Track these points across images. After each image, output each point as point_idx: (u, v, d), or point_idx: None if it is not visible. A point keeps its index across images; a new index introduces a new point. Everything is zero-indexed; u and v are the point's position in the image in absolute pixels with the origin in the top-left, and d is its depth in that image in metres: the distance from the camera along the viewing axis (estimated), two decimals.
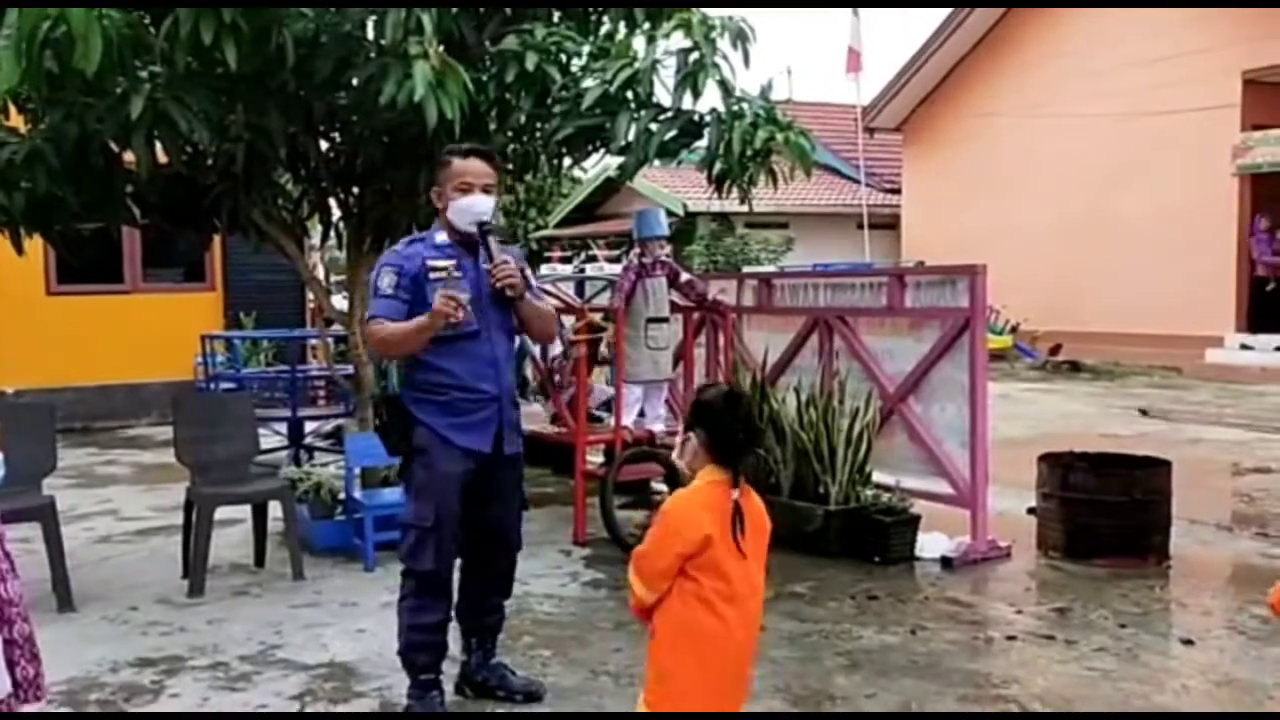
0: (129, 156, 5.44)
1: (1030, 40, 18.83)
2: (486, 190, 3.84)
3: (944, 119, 20.65)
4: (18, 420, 5.72)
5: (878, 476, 6.23)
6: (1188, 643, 4.62)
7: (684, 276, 6.96)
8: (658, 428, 6.74)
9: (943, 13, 19.95)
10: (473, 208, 3.80)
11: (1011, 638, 4.70)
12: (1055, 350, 17.10)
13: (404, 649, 3.91)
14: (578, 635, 4.75)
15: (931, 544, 5.89)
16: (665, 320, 6.81)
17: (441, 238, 3.89)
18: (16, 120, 5.74)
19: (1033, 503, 6.22)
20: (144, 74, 4.99)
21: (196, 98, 4.99)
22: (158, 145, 5.21)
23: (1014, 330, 17.91)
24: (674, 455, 2.95)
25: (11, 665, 2.77)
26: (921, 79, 20.76)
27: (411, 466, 3.85)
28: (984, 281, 5.93)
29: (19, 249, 6.02)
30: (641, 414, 6.87)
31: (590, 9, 6.10)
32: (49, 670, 4.36)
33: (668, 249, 6.92)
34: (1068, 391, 14.09)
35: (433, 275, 3.78)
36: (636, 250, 6.83)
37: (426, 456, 3.79)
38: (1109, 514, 5.75)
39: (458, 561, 3.97)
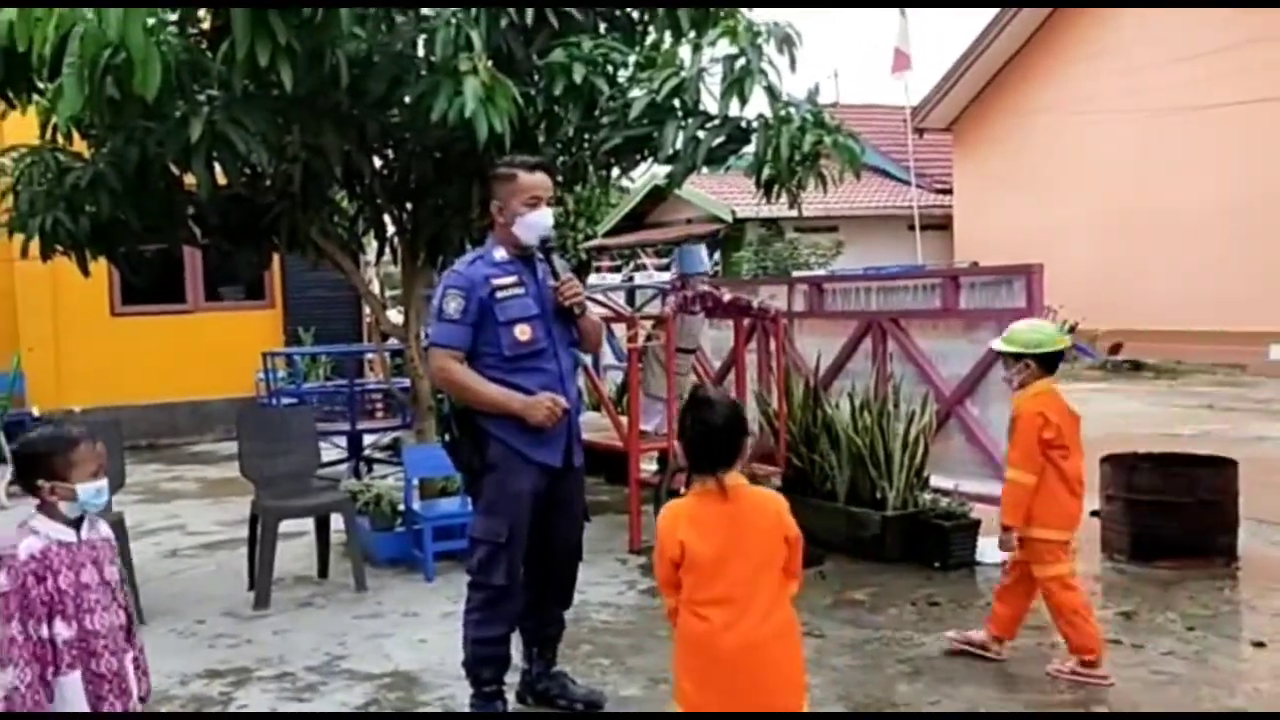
0: (189, 179, 5.58)
1: (1078, 37, 18.57)
2: (549, 204, 3.85)
3: (994, 118, 20.41)
4: None
5: (936, 481, 6.17)
6: (1259, 645, 4.53)
7: (726, 297, 7.01)
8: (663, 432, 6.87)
9: (990, 12, 19.76)
10: (542, 222, 3.81)
11: None
12: (1116, 349, 16.81)
13: (469, 661, 3.92)
14: (635, 643, 4.76)
15: (993, 549, 5.79)
16: (692, 351, 7.13)
17: (500, 254, 3.85)
18: (80, 146, 5.90)
19: (1096, 505, 6.12)
20: (202, 97, 5.12)
21: (254, 119, 5.10)
22: (217, 167, 5.33)
23: (1072, 330, 17.63)
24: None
25: (99, 700, 2.78)
26: (971, 78, 20.55)
27: (482, 482, 3.84)
28: (1040, 281, 5.87)
29: (85, 271, 6.18)
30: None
31: (636, 21, 6.14)
32: None
33: (707, 282, 7.20)
34: (1128, 391, 13.85)
35: (499, 295, 3.76)
36: (679, 283, 7.12)
37: (499, 473, 3.78)
38: (1174, 515, 5.65)
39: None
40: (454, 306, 3.75)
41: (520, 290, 3.80)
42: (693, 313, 6.90)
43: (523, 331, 3.77)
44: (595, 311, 4.17)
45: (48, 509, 2.82)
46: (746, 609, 2.76)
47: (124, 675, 2.88)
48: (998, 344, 4.51)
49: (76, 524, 2.85)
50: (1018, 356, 4.40)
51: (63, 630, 2.75)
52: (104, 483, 2.88)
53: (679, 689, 2.84)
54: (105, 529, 2.97)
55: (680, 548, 2.77)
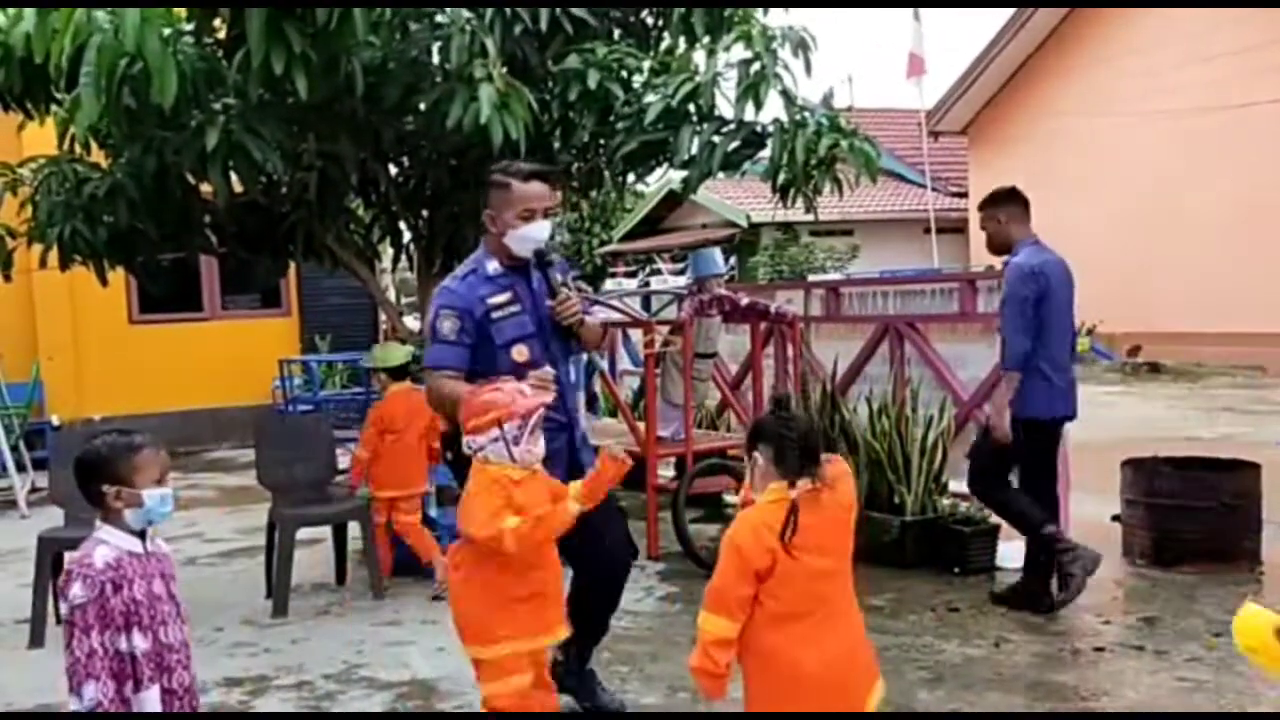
0: (206, 187, 5.60)
1: (1095, 38, 18.49)
2: (547, 214, 3.71)
3: (1010, 120, 20.34)
4: None
5: (954, 485, 6.13)
6: None
7: (744, 301, 6.98)
8: (680, 437, 6.81)
9: (1006, 14, 19.69)
10: (536, 236, 3.68)
11: (1099, 649, 4.59)
12: (1134, 352, 16.70)
13: None
14: (654, 651, 4.74)
15: (1012, 553, 5.76)
16: (711, 356, 7.06)
17: (493, 267, 3.74)
18: (98, 156, 5.93)
19: (1116, 509, 6.07)
20: (218, 106, 5.13)
21: (269, 128, 5.11)
22: (233, 175, 5.34)
23: (1090, 333, 17.55)
24: (747, 478, 2.88)
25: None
26: (986, 81, 20.48)
27: None
28: None
29: (103, 280, 6.21)
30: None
31: (651, 26, 6.14)
32: None
33: (723, 284, 7.17)
34: (1148, 394, 13.75)
35: (495, 315, 3.66)
36: (695, 287, 7.08)
37: None
38: (1196, 519, 5.60)
39: (568, 573, 3.83)
40: (449, 327, 3.64)
41: (516, 308, 3.69)
42: (709, 316, 6.89)
43: (520, 353, 3.66)
44: (611, 317, 4.10)
45: (113, 518, 2.74)
46: (830, 620, 2.70)
47: (194, 691, 2.82)
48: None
49: (141, 535, 2.78)
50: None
51: (140, 642, 2.66)
52: (169, 490, 2.79)
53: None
54: (163, 542, 2.90)
55: (772, 557, 2.63)
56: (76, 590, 2.60)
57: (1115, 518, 6.09)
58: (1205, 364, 15.75)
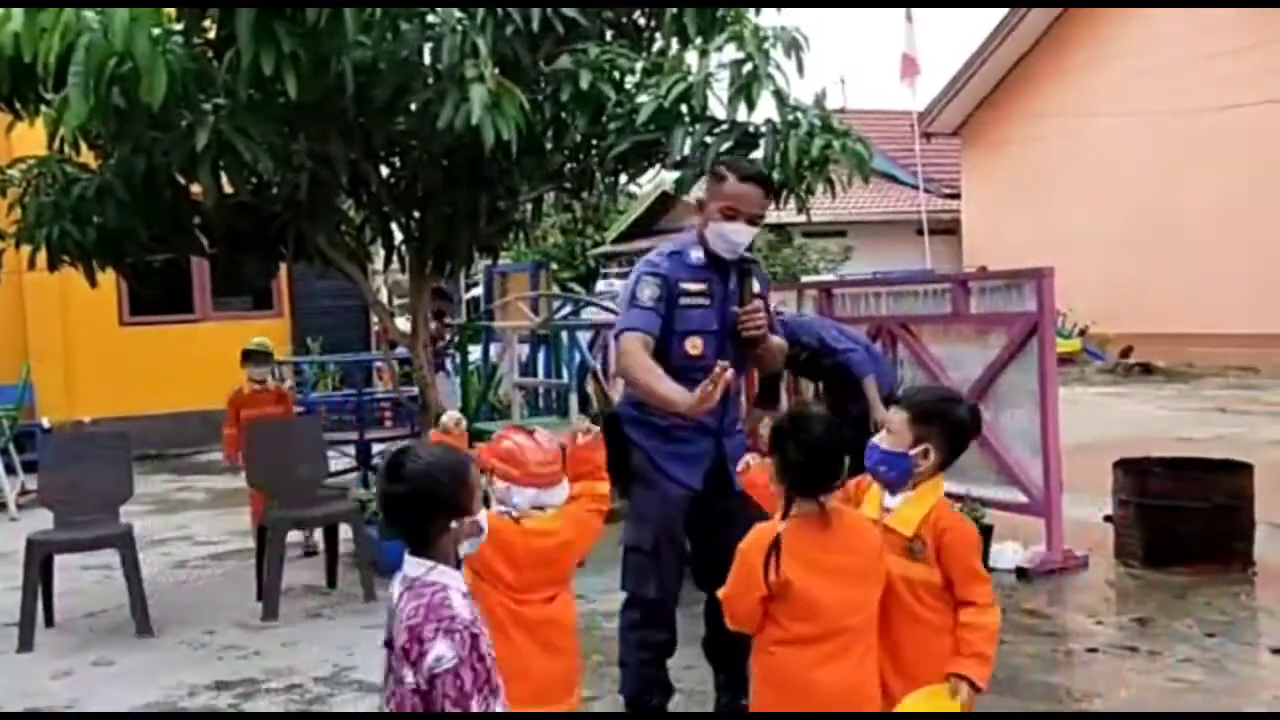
0: (196, 188, 5.57)
1: (1088, 39, 18.52)
2: (753, 221, 3.57)
3: (1003, 121, 20.36)
4: (95, 449, 5.87)
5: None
6: (1278, 652, 4.47)
7: None
8: None
9: (999, 14, 19.72)
10: (731, 236, 3.55)
11: (1092, 650, 4.58)
12: (1126, 353, 16.73)
13: (631, 690, 3.70)
14: None
15: (1005, 554, 5.76)
16: None
17: (697, 256, 3.62)
18: (87, 156, 5.90)
19: (1109, 510, 6.07)
20: (208, 106, 5.10)
21: (259, 128, 5.09)
22: (223, 176, 5.32)
23: (1082, 333, 17.57)
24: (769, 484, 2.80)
25: None
26: (979, 82, 20.51)
27: (631, 488, 3.66)
28: (1051, 285, 5.82)
29: (92, 281, 6.18)
30: None
31: (643, 27, 6.12)
32: (128, 696, 4.47)
33: None
34: (1140, 394, 13.77)
35: (684, 301, 3.56)
36: None
37: (641, 483, 3.61)
38: (1189, 520, 5.59)
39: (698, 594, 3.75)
40: (649, 294, 3.52)
41: (706, 301, 3.57)
42: None
43: (694, 345, 3.55)
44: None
45: (442, 553, 2.23)
46: (849, 646, 2.60)
47: None
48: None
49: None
50: None
51: (494, 704, 2.13)
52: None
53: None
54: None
55: (782, 576, 2.54)
56: (443, 651, 2.06)
57: (1108, 518, 6.09)
58: (1197, 365, 15.78)
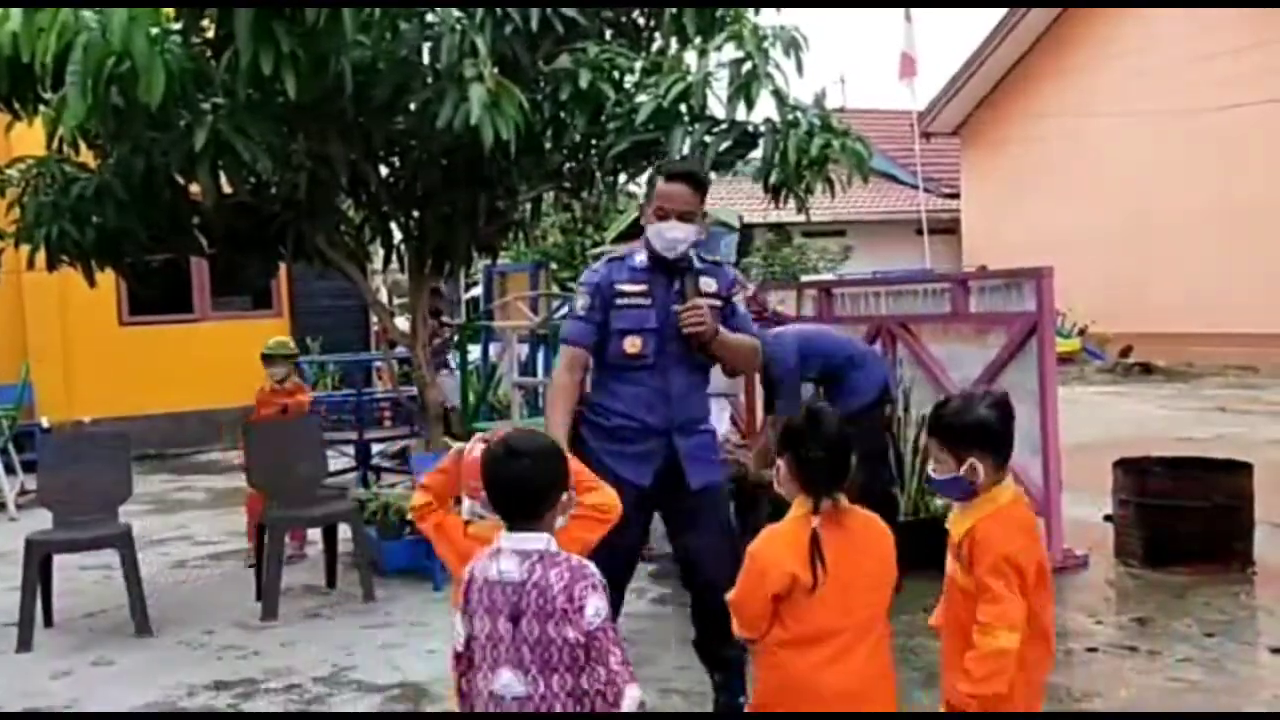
0: (195, 188, 5.57)
1: (1088, 38, 18.52)
2: (684, 218, 3.60)
3: (1002, 121, 20.36)
4: (94, 449, 5.86)
5: None
6: (1277, 651, 4.47)
7: (749, 290, 6.95)
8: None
9: (999, 13, 19.72)
10: (665, 234, 3.60)
11: (1092, 649, 4.58)
12: (1126, 352, 16.73)
13: None
14: (645, 653, 4.71)
15: None
16: None
17: (640, 259, 3.69)
18: (86, 156, 5.89)
19: (1109, 509, 6.06)
20: (206, 106, 5.10)
21: (258, 128, 5.08)
22: (222, 176, 5.31)
23: (1082, 333, 17.56)
24: (775, 484, 2.77)
25: None
26: (978, 81, 20.51)
27: None
28: (1050, 284, 5.82)
29: (90, 281, 6.17)
30: None
31: (642, 27, 6.12)
32: (127, 696, 4.47)
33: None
34: (1139, 394, 13.77)
35: (619, 301, 3.63)
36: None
37: None
38: (1189, 519, 5.59)
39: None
40: (581, 304, 3.69)
41: (644, 301, 3.62)
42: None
43: (633, 344, 3.61)
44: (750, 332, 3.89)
45: (549, 526, 2.44)
46: (853, 647, 2.59)
47: None
48: None
49: None
50: None
51: None
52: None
53: None
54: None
55: (791, 580, 2.54)
56: (599, 604, 2.30)
57: (1108, 518, 6.09)
58: (1197, 364, 15.77)
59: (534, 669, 2.30)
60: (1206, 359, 15.79)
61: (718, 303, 3.71)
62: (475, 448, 2.79)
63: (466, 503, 2.83)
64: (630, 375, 3.63)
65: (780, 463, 2.70)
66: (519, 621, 2.30)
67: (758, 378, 6.05)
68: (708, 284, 3.71)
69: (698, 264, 3.72)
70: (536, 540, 2.36)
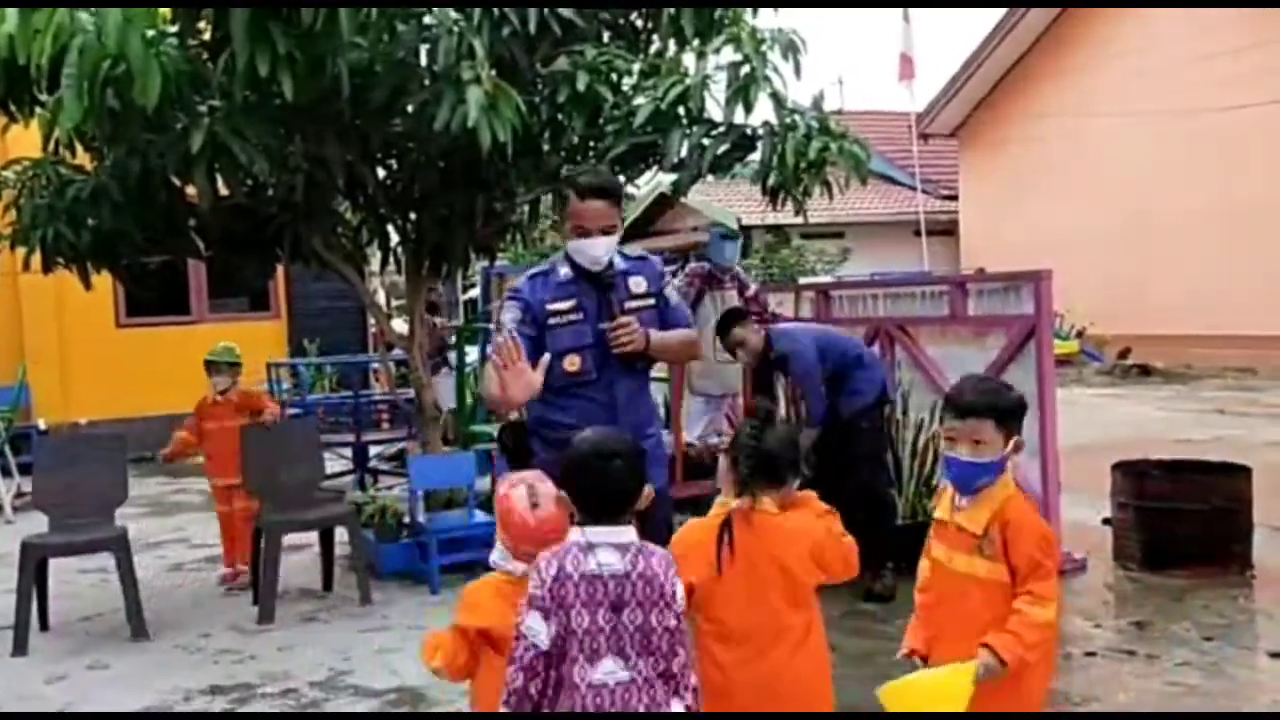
0: (191, 190, 5.55)
1: (1087, 39, 18.52)
2: (606, 232, 3.54)
3: (1001, 122, 20.37)
4: (91, 451, 5.84)
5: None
6: (1276, 655, 4.46)
7: (751, 289, 6.93)
8: (711, 440, 6.68)
9: (997, 15, 19.72)
10: (588, 251, 3.54)
11: (1090, 653, 4.57)
12: (1124, 354, 16.73)
13: None
14: None
15: None
16: None
17: (565, 272, 3.61)
18: (82, 158, 5.88)
19: (1107, 513, 6.05)
20: (203, 108, 5.08)
21: (255, 130, 5.06)
22: (219, 178, 5.29)
23: (1080, 335, 17.56)
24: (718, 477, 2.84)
25: None
26: (977, 83, 20.52)
27: None
28: (1049, 287, 5.80)
29: (86, 284, 6.16)
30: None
31: (640, 29, 6.11)
32: (123, 700, 4.45)
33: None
34: (1138, 396, 13.76)
35: (551, 321, 3.54)
36: (698, 258, 6.86)
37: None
38: (1187, 522, 5.58)
39: None
40: (509, 317, 3.56)
41: (576, 317, 3.56)
42: (725, 289, 6.64)
43: (571, 362, 3.53)
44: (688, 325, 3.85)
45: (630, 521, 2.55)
46: (767, 649, 2.65)
47: None
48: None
49: None
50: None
51: None
52: None
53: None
54: None
55: (705, 572, 2.62)
56: (682, 590, 2.47)
57: (1106, 521, 6.08)
58: (1195, 366, 15.77)
59: (634, 655, 2.39)
60: (1205, 361, 15.79)
61: (650, 301, 3.64)
62: (512, 495, 2.78)
63: (499, 552, 2.79)
64: (575, 391, 3.55)
65: (723, 459, 2.78)
66: (621, 611, 2.38)
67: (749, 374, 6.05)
68: (638, 284, 3.64)
69: (621, 263, 3.64)
70: (627, 533, 2.45)
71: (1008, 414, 2.75)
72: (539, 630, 2.39)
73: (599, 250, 3.55)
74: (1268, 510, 6.03)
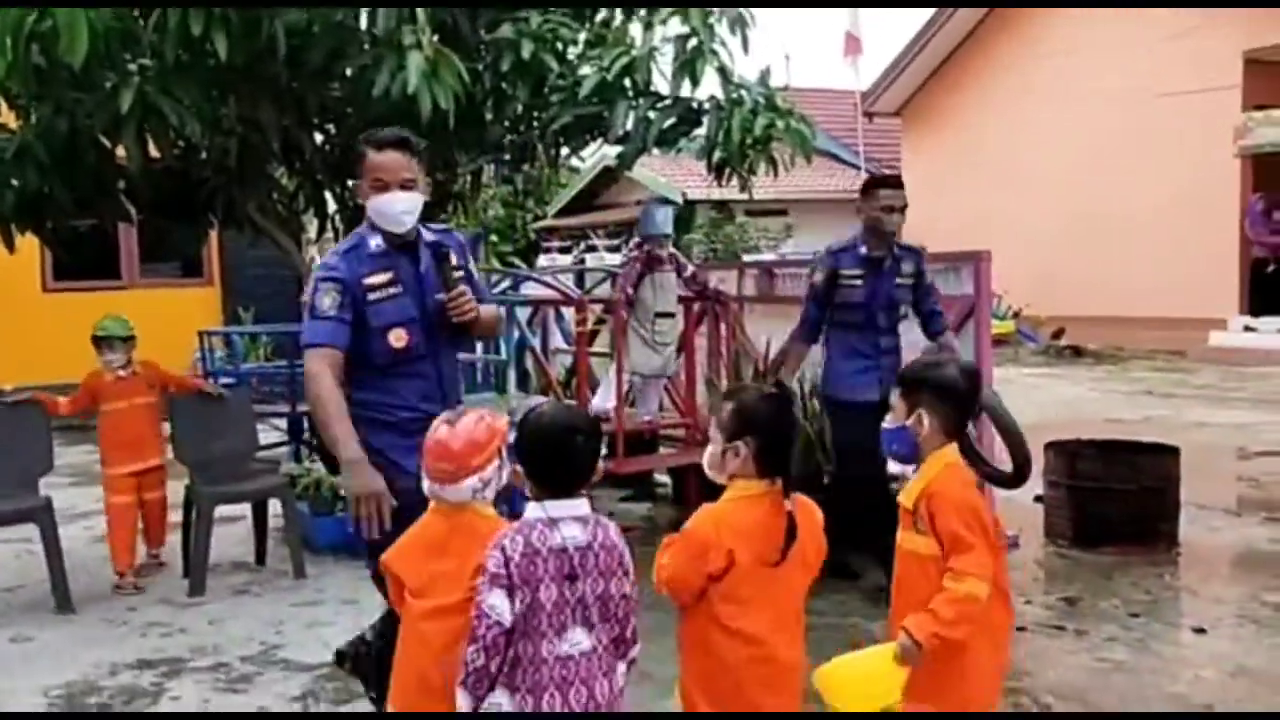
0: (121, 152, 5.39)
1: (1031, 22, 18.71)
2: (405, 186, 3.35)
3: (944, 103, 20.53)
4: (13, 419, 5.68)
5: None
6: (1200, 631, 4.57)
7: (688, 270, 6.87)
8: (643, 417, 6.67)
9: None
10: (388, 208, 3.35)
11: (1021, 628, 4.62)
12: (1058, 335, 17.03)
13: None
14: None
15: None
16: (672, 315, 6.54)
17: (375, 243, 3.41)
18: (7, 116, 5.68)
19: (1039, 490, 6.16)
20: (133, 67, 4.93)
21: (187, 90, 4.93)
22: (149, 139, 5.14)
23: (1016, 315, 17.83)
24: (706, 466, 2.71)
25: None
26: (921, 63, 20.64)
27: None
28: (988, 268, 5.86)
29: (9, 246, 5.97)
30: (632, 404, 6.78)
31: None
32: (46, 674, 4.33)
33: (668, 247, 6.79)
34: (1071, 376, 14.02)
35: (371, 297, 3.35)
36: (638, 243, 6.75)
37: (387, 480, 3.23)
38: (1117, 501, 5.70)
39: None
40: (329, 302, 3.31)
41: (396, 289, 3.37)
42: (664, 271, 6.54)
43: (399, 337, 3.36)
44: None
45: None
46: (794, 636, 2.65)
47: None
48: None
49: None
50: None
51: None
52: None
53: (688, 700, 2.64)
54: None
55: (728, 559, 2.52)
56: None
57: (1038, 498, 6.19)
58: (1127, 348, 16.11)
59: (596, 623, 2.46)
60: (1136, 343, 16.13)
61: (462, 274, 3.51)
62: (440, 430, 2.69)
63: (428, 484, 2.71)
64: (402, 369, 3.39)
65: (741, 446, 2.62)
66: (576, 580, 2.42)
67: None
68: (455, 257, 3.50)
69: (428, 234, 3.50)
70: (584, 505, 2.49)
71: (909, 382, 2.86)
72: (502, 608, 2.37)
73: (399, 206, 3.35)
74: (1194, 489, 6.18)
